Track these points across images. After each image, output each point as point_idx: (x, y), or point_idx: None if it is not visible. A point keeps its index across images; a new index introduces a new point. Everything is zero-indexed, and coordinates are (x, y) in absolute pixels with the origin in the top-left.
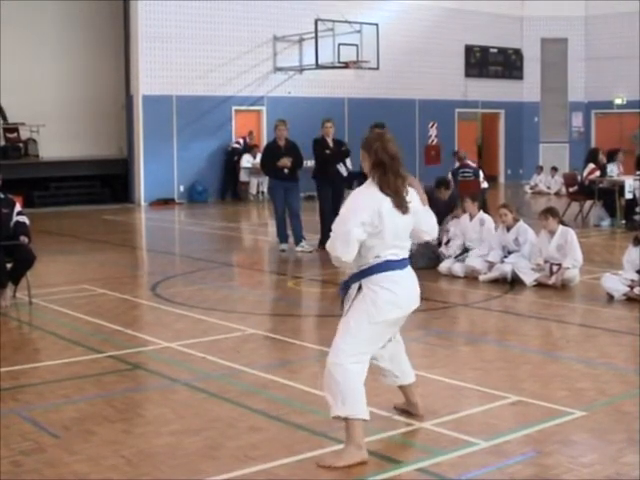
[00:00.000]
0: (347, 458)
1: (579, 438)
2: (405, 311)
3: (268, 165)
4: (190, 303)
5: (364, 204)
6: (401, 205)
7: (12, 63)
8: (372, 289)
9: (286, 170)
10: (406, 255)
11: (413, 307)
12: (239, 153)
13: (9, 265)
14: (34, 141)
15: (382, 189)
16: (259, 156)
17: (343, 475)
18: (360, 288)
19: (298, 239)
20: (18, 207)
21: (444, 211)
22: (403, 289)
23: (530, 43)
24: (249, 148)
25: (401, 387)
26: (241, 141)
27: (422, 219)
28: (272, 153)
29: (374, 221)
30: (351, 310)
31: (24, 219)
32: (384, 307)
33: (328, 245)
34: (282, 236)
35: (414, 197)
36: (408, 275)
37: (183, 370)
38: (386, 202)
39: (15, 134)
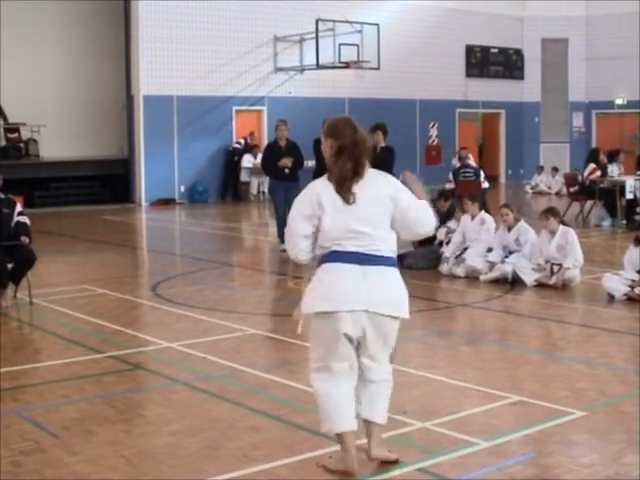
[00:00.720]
0: (332, 464)
1: (579, 438)
2: (339, 306)
3: (269, 165)
4: (191, 303)
5: (304, 197)
6: (345, 193)
7: (13, 63)
8: (312, 280)
9: (287, 170)
10: (368, 249)
11: (357, 306)
12: (240, 153)
13: (10, 265)
14: (35, 141)
15: (328, 176)
16: (260, 156)
17: (343, 475)
18: None
19: None
20: (19, 207)
21: (442, 220)
22: (338, 282)
23: (531, 43)
24: (250, 148)
25: (365, 423)
26: (242, 141)
27: (409, 209)
28: (273, 153)
29: (316, 212)
30: None
31: (25, 219)
32: (311, 299)
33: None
34: (283, 236)
35: (383, 185)
36: (361, 272)
37: (183, 370)
38: (326, 191)
39: (16, 134)
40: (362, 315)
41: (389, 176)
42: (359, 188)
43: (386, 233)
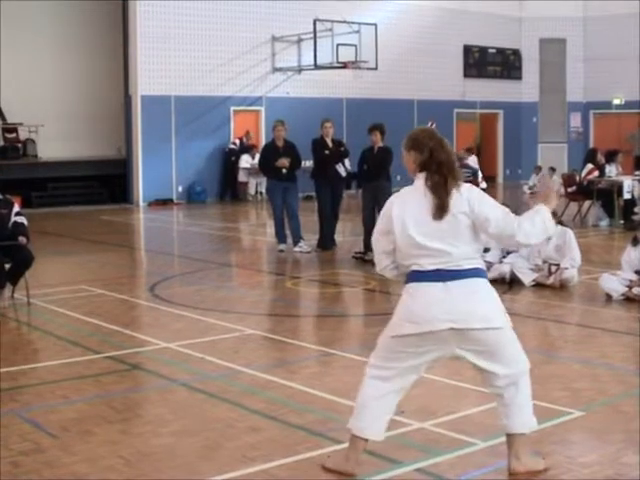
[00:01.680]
0: (332, 463)
1: (578, 438)
2: (424, 328)
3: (266, 165)
4: (189, 303)
5: (383, 212)
6: (438, 208)
7: (10, 63)
8: (400, 300)
9: (284, 170)
10: (447, 265)
11: (442, 326)
12: (236, 154)
13: (7, 265)
14: (32, 141)
15: (428, 191)
16: (258, 156)
17: (341, 476)
18: None
19: (296, 239)
20: (16, 207)
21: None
22: (420, 304)
23: (529, 43)
24: (247, 148)
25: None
26: (237, 142)
27: (488, 222)
28: (270, 153)
29: (395, 228)
30: None
31: (22, 219)
32: (397, 321)
33: None
34: (281, 236)
35: (469, 199)
36: (443, 290)
37: (182, 370)
38: (411, 205)
39: (14, 134)
40: (450, 333)
41: (467, 187)
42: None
43: (465, 248)
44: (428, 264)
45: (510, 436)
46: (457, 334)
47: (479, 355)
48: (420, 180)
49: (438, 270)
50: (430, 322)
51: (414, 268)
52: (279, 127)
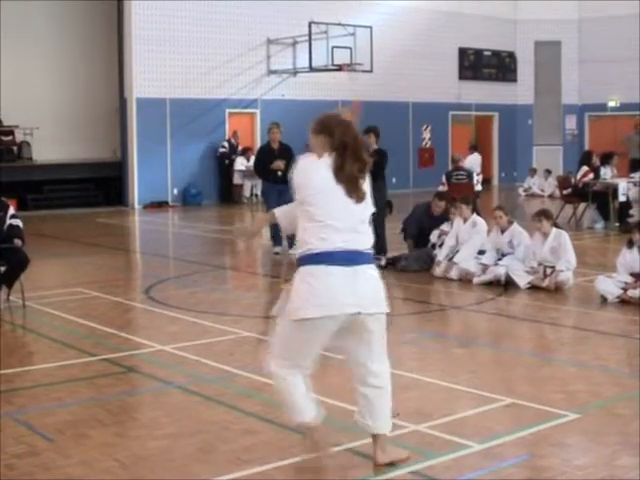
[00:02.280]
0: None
1: (573, 441)
2: (327, 312)
3: (262, 168)
4: (184, 306)
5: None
6: (357, 192)
7: (5, 66)
8: (297, 281)
9: (279, 172)
10: (353, 245)
11: (348, 311)
12: (227, 156)
13: (2, 268)
14: (28, 144)
15: (336, 173)
16: (253, 159)
17: (340, 477)
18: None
19: (291, 242)
20: (12, 210)
21: (436, 225)
22: (329, 287)
23: (524, 46)
24: (243, 151)
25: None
26: (226, 144)
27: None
28: (266, 156)
29: (309, 189)
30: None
31: (18, 222)
32: (299, 304)
33: None
34: (276, 239)
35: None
36: (348, 273)
37: (177, 373)
38: (337, 187)
39: (10, 137)
40: (354, 317)
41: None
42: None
43: (369, 234)
44: (339, 239)
45: (375, 436)
46: (357, 320)
47: (360, 343)
48: (329, 161)
49: (346, 251)
50: (339, 306)
51: (323, 247)
52: (274, 129)
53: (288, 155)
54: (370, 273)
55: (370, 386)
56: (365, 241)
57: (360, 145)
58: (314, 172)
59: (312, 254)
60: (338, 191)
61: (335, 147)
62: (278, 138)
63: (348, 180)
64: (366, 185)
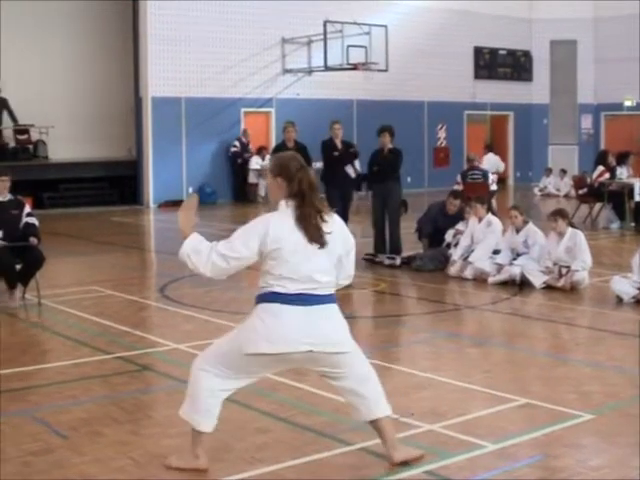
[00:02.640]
0: (182, 462)
1: (587, 441)
2: (282, 349)
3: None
4: (198, 304)
5: (257, 227)
6: (318, 238)
7: (21, 65)
8: (252, 317)
9: None
10: (313, 291)
11: (300, 348)
12: (240, 155)
13: (18, 266)
14: (43, 143)
15: (298, 221)
16: (268, 158)
17: (353, 476)
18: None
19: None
20: (27, 208)
21: (451, 224)
22: (283, 324)
23: (539, 45)
24: (258, 150)
25: (372, 423)
26: (237, 143)
27: (349, 262)
28: None
29: (267, 247)
30: (239, 327)
31: (33, 220)
32: (253, 339)
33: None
34: None
35: (338, 234)
36: (304, 312)
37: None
38: (287, 229)
39: (26, 136)
40: (306, 355)
41: (338, 218)
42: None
43: (331, 277)
44: (294, 288)
45: (382, 429)
46: (313, 356)
47: (331, 375)
48: (287, 207)
49: (302, 294)
50: (290, 343)
51: (278, 290)
52: (289, 128)
53: (303, 154)
54: (327, 313)
55: (350, 392)
56: (325, 288)
57: (316, 192)
58: (274, 228)
59: (268, 293)
60: (300, 243)
61: (293, 194)
62: (293, 137)
63: (309, 228)
64: (330, 226)
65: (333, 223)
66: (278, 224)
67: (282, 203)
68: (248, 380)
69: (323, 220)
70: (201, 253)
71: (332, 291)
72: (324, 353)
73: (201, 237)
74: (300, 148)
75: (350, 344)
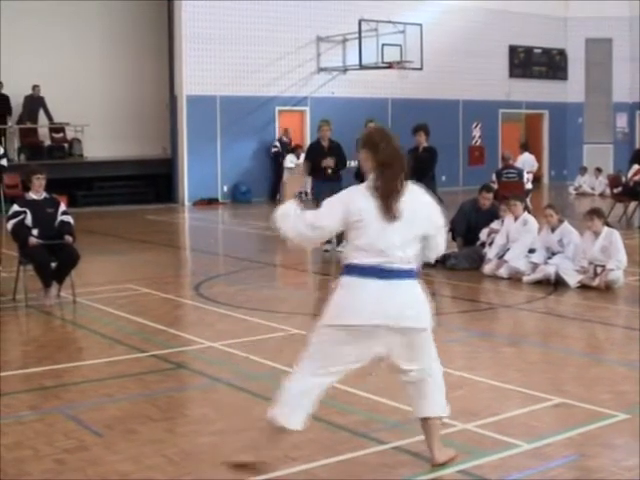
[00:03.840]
0: (245, 457)
1: (622, 441)
2: (352, 322)
3: (312, 166)
4: (233, 303)
5: (342, 198)
6: (390, 211)
7: (57, 64)
8: (336, 291)
9: (329, 170)
10: (391, 265)
11: (375, 322)
12: (282, 155)
13: (54, 264)
14: (78, 141)
15: (375, 191)
16: (303, 156)
17: (386, 475)
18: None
19: (339, 239)
20: (63, 207)
21: (484, 222)
22: (358, 297)
23: (574, 43)
24: (292, 149)
25: (422, 420)
26: (278, 143)
27: (437, 234)
28: (316, 153)
29: (349, 218)
30: None
31: (69, 219)
32: (334, 312)
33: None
34: None
35: (421, 204)
36: (382, 286)
37: (225, 370)
38: (367, 201)
39: (61, 134)
40: (385, 329)
41: (425, 193)
42: (402, 205)
43: (411, 250)
44: (369, 260)
45: (429, 429)
46: (389, 334)
47: (400, 355)
48: (371, 179)
49: (377, 267)
50: (362, 316)
51: (354, 262)
52: (324, 127)
53: (338, 152)
54: (404, 288)
55: (409, 380)
56: (402, 263)
57: (400, 163)
58: (356, 199)
59: (346, 265)
60: (376, 215)
61: (377, 164)
62: (328, 135)
63: (385, 199)
64: (406, 202)
65: (416, 198)
66: (361, 195)
67: (370, 175)
68: (335, 374)
69: (401, 193)
70: (289, 218)
71: (412, 266)
72: (398, 328)
73: (295, 205)
74: (335, 146)
75: (427, 322)
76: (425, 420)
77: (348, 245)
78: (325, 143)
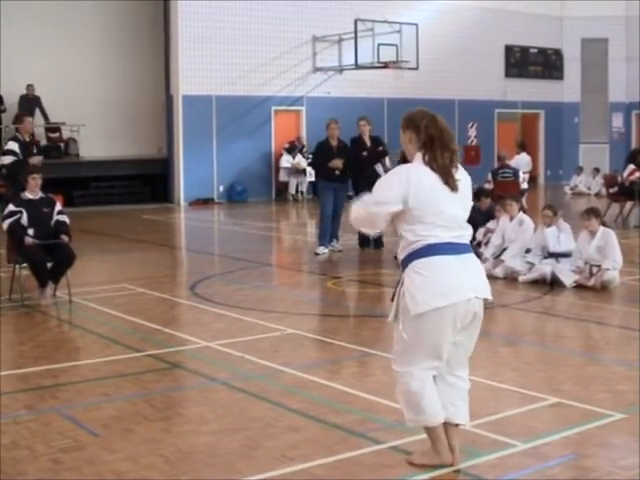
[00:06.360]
0: (425, 459)
1: (619, 441)
2: (452, 300)
3: (319, 165)
4: (229, 303)
5: (401, 177)
6: (451, 182)
7: (53, 63)
8: (409, 277)
9: (337, 172)
10: (460, 239)
11: (468, 296)
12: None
13: (49, 264)
14: (74, 140)
15: (430, 165)
16: (298, 157)
17: (383, 475)
18: (402, 281)
19: (332, 237)
20: (58, 206)
21: (481, 221)
22: (446, 275)
23: (570, 43)
24: (287, 149)
25: (445, 425)
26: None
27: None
28: (324, 153)
29: (410, 196)
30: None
31: (64, 218)
32: (420, 298)
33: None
34: (324, 240)
35: (464, 177)
36: (460, 261)
37: (222, 369)
38: (429, 177)
39: (57, 134)
40: (472, 302)
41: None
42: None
43: (468, 224)
44: (447, 236)
45: (451, 433)
46: (473, 306)
47: (470, 332)
48: (419, 159)
49: (453, 243)
50: (458, 292)
51: (432, 241)
52: (332, 125)
53: (346, 153)
54: (475, 261)
55: (458, 377)
56: (469, 233)
57: (447, 135)
58: (417, 175)
59: (421, 247)
60: (438, 187)
61: (423, 142)
62: (336, 134)
63: (442, 171)
64: (460, 174)
65: (462, 172)
66: (417, 170)
67: (417, 155)
68: (439, 358)
69: (454, 165)
70: (357, 206)
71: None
72: (481, 300)
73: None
74: (343, 146)
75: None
76: (454, 424)
77: (415, 228)
78: (334, 142)
